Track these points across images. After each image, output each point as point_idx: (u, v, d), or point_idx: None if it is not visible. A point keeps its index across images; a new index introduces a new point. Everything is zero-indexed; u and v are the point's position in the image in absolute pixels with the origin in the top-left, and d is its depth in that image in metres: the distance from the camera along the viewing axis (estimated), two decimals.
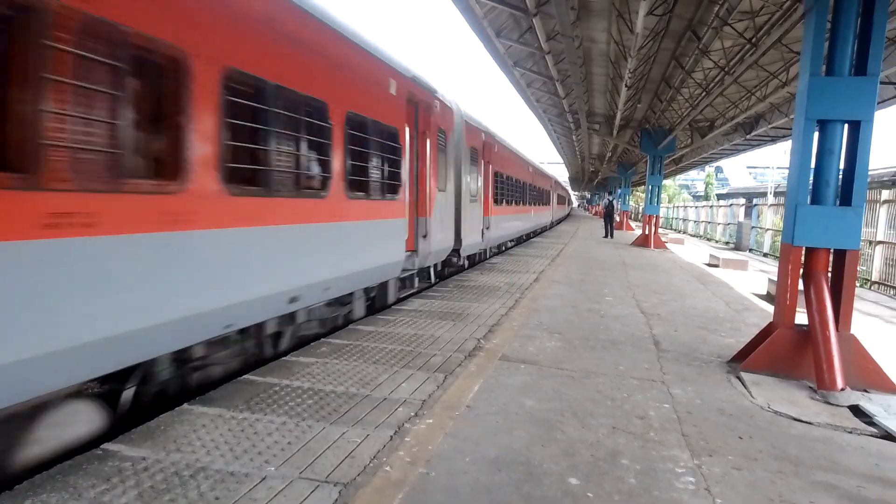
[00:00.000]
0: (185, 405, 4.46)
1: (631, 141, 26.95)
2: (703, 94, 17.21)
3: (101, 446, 3.70)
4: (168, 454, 3.64)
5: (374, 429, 4.19)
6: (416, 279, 10.54)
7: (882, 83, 10.45)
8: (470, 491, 3.38)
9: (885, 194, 15.32)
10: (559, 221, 49.84)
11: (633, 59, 13.16)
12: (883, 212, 15.13)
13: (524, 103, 25.40)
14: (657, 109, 22.16)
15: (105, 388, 4.43)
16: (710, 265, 19.06)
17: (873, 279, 15.30)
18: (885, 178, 26.83)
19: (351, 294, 7.79)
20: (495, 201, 16.72)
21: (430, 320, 7.87)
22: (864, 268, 15.28)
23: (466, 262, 14.34)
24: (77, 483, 3.23)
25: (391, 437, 4.07)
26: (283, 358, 5.84)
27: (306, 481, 3.38)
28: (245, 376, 5.20)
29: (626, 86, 15.96)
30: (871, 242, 15.25)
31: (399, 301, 9.28)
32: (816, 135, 6.02)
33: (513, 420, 4.50)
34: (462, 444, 4.01)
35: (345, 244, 7.10)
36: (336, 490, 3.31)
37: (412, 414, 4.51)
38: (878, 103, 5.99)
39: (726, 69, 14.57)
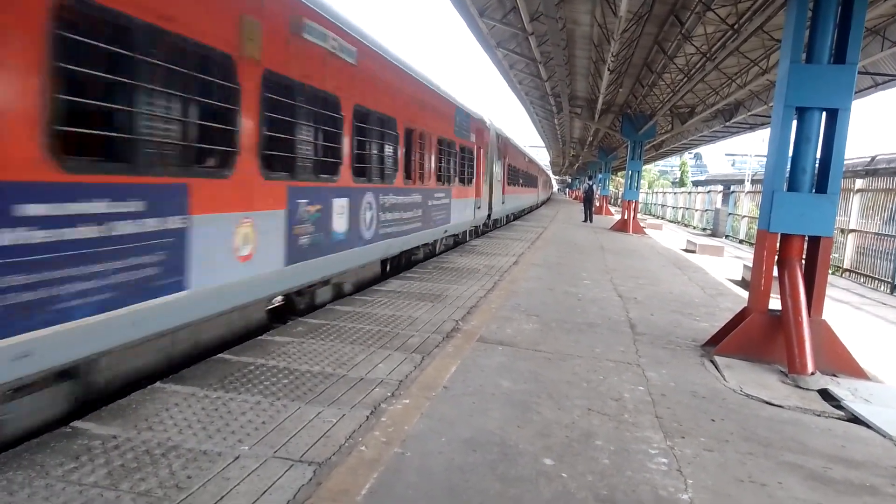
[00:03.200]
0: (158, 383, 4.39)
1: (612, 126, 27.02)
2: (685, 79, 17.28)
3: (70, 424, 3.63)
4: (139, 432, 3.58)
5: (350, 409, 4.17)
6: (474, 232, 18.38)
7: (859, 73, 10.57)
8: (444, 471, 3.38)
9: (859, 183, 15.57)
10: (542, 203, 51.80)
11: (616, 43, 13.14)
12: (856, 201, 15.39)
13: (507, 85, 25.26)
14: (639, 94, 22.20)
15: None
16: (686, 251, 19.28)
17: (845, 267, 15.60)
18: (858, 168, 27.26)
19: (455, 234, 15.05)
20: (508, 184, 24.22)
21: (409, 301, 7.85)
22: (837, 255, 15.57)
23: (492, 224, 21.71)
24: (44, 461, 3.16)
25: (367, 416, 4.05)
26: (259, 337, 5.78)
27: (280, 460, 3.36)
28: (219, 355, 5.13)
29: (608, 69, 15.93)
30: (843, 231, 15.53)
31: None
32: (794, 122, 6.07)
33: (489, 401, 4.51)
34: (438, 425, 4.01)
35: (460, 208, 14.41)
36: (310, 469, 3.29)
37: (389, 394, 4.49)
38: (855, 93, 6.05)
39: (708, 55, 14.62)
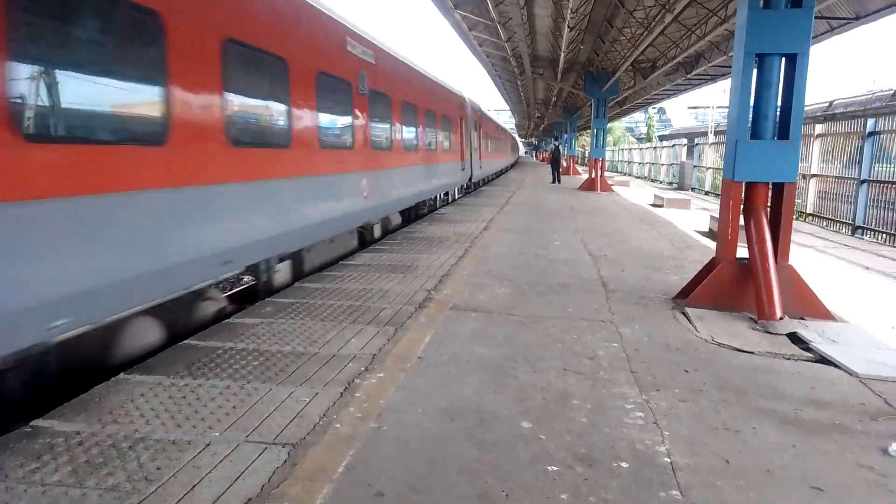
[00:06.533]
0: (122, 375, 4.25)
1: (575, 84, 26.88)
2: (645, 33, 17.15)
3: (31, 423, 3.49)
4: (104, 426, 3.46)
5: (324, 386, 4.09)
6: (458, 192, 22.09)
7: (816, 17, 10.59)
8: (421, 442, 3.35)
9: (819, 129, 15.78)
10: (511, 167, 52.34)
11: None
12: (816, 146, 15.61)
13: (467, 49, 24.85)
14: (600, 51, 22.04)
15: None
16: (654, 206, 19.45)
17: (808, 212, 15.91)
18: (817, 114, 27.65)
19: (447, 193, 18.86)
20: (484, 150, 27.61)
21: (379, 274, 7.75)
22: (800, 201, 15.84)
23: (473, 186, 25.15)
24: (3, 463, 3.02)
25: (341, 393, 3.98)
26: (227, 320, 5.65)
27: (253, 444, 3.28)
28: (185, 341, 5.00)
29: (568, 27, 15.75)
30: (805, 176, 15.78)
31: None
32: (755, 70, 6.04)
33: (464, 369, 4.48)
34: (413, 396, 3.96)
35: (449, 171, 17.71)
36: (285, 451, 3.22)
37: (362, 369, 4.43)
38: (812, 38, 6.01)
39: (667, 6, 14.50)
